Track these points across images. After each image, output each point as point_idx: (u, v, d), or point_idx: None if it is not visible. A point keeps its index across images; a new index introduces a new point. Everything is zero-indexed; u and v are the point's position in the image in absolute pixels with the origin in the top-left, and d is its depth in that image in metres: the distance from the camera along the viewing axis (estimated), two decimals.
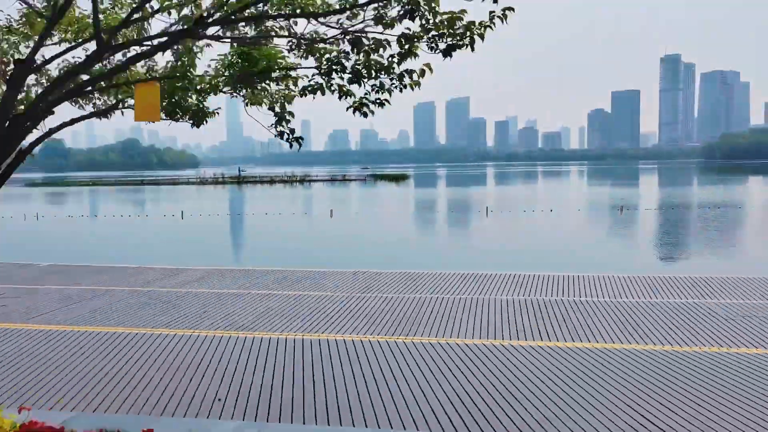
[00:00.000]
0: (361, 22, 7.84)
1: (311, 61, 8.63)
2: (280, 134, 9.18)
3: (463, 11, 7.48)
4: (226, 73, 8.90)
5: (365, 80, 8.35)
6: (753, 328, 12.46)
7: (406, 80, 8.37)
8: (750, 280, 17.89)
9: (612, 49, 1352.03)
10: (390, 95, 8.52)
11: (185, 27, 7.71)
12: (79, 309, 15.23)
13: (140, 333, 12.92)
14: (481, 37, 7.59)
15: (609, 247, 35.43)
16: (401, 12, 7.44)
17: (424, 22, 7.55)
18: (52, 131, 8.95)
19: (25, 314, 14.85)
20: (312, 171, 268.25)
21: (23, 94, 8.92)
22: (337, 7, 7.74)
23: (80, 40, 8.73)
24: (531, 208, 56.40)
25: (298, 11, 7.80)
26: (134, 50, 8.45)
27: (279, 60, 8.67)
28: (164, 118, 9.56)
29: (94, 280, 20.15)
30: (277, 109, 9.27)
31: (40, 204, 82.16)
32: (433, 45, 7.84)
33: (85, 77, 8.68)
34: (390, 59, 8.11)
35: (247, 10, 7.76)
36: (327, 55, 8.40)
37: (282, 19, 8.20)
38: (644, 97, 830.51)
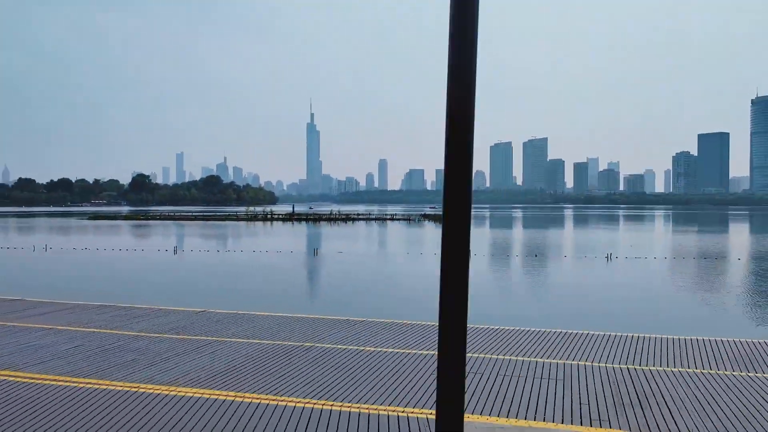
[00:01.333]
0: None
1: None
2: None
3: None
4: None
5: None
6: None
7: None
8: None
9: (699, 88, 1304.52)
10: None
11: None
12: None
13: None
14: None
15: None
16: None
17: None
18: None
19: None
20: (374, 209, 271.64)
21: None
22: None
23: None
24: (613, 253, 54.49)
25: None
26: None
27: None
28: None
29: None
30: None
31: (44, 236, 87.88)
32: None
33: None
34: None
35: None
36: None
37: None
38: (734, 140, 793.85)
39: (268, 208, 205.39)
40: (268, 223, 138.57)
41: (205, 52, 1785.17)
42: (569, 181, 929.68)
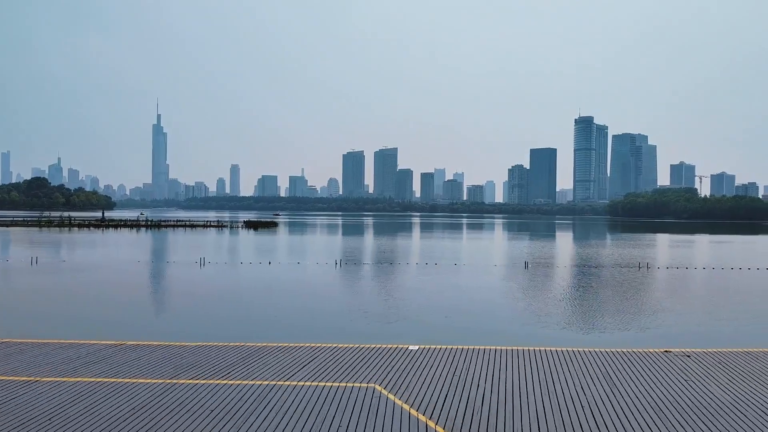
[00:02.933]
0: None
1: None
2: None
3: None
4: None
5: None
6: None
7: None
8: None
9: (532, 107, 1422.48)
10: None
11: None
12: None
13: None
14: None
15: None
16: None
17: None
18: None
19: None
20: (226, 216, 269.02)
21: None
22: None
23: None
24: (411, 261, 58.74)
25: None
26: None
27: None
28: None
29: None
30: None
31: None
32: None
33: None
34: None
35: None
36: None
37: None
38: (561, 155, 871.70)
39: (66, 214, 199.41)
40: (75, 229, 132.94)
41: (41, 43, 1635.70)
42: (417, 190, 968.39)
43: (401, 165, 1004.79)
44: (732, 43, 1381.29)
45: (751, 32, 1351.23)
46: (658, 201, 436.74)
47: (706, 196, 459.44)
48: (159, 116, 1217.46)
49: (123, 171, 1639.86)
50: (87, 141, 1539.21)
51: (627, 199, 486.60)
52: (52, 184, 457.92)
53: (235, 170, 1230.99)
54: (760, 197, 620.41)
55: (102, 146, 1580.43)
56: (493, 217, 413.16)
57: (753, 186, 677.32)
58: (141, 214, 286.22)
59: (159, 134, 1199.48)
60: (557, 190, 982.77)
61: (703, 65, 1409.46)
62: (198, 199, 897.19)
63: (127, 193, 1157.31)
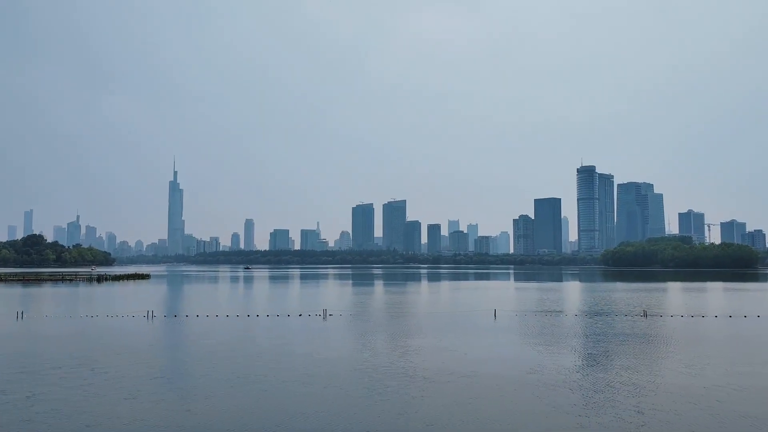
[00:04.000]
0: None
1: None
2: None
3: None
4: None
5: None
6: None
7: None
8: None
9: (539, 157, 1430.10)
10: None
11: None
12: None
13: None
14: None
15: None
16: None
17: None
18: None
19: None
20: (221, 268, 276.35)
21: None
22: None
23: None
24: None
25: None
26: None
27: None
28: None
29: None
30: None
31: None
32: None
33: None
34: None
35: None
36: None
37: None
38: (565, 205, 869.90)
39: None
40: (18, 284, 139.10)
41: (59, 103, 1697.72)
42: (425, 240, 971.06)
43: (410, 217, 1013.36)
44: (738, 89, 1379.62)
45: (757, 79, 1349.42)
46: (646, 250, 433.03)
47: (695, 244, 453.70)
48: (176, 173, 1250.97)
49: (140, 227, 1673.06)
50: (105, 199, 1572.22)
51: (617, 249, 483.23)
52: (48, 241, 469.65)
53: (249, 225, 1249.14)
54: (751, 246, 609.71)
55: (120, 203, 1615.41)
56: (489, 269, 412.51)
57: (759, 233, 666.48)
58: (92, 269, 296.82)
59: (175, 191, 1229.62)
60: (569, 240, 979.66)
61: (709, 112, 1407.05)
62: (207, 254, 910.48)
63: (143, 249, 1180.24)
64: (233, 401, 25.18)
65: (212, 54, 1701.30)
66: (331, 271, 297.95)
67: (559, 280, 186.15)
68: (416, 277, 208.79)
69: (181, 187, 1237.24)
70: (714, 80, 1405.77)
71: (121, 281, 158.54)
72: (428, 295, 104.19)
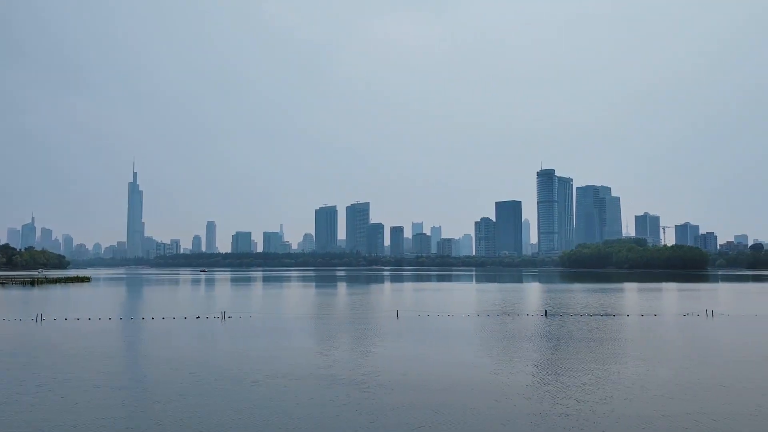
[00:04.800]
0: None
1: None
2: None
3: None
4: None
5: None
6: None
7: None
8: None
9: (501, 160, 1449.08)
10: None
11: None
12: None
13: None
14: None
15: None
16: None
17: None
18: None
19: None
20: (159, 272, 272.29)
21: None
22: None
23: None
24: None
25: None
26: None
27: None
28: None
29: None
30: None
31: None
32: None
33: None
34: None
35: None
36: None
37: None
38: (526, 207, 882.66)
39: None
40: None
41: (15, 102, 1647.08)
42: (388, 243, 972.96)
43: (373, 219, 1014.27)
44: (693, 97, 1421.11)
45: (714, 89, 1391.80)
46: (602, 252, 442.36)
47: (648, 246, 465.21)
48: (135, 174, 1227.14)
49: (99, 229, 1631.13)
50: (63, 200, 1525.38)
51: (575, 251, 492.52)
52: (0, 243, 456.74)
53: (211, 227, 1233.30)
54: (716, 246, 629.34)
55: (78, 205, 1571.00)
56: (449, 270, 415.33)
57: (711, 236, 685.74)
58: (39, 271, 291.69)
59: (135, 192, 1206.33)
60: (530, 242, 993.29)
61: (666, 119, 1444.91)
62: (167, 257, 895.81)
63: (102, 251, 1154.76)
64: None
65: (175, 53, 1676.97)
66: (285, 274, 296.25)
67: (495, 281, 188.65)
68: (364, 280, 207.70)
69: (141, 189, 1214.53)
70: (670, 89, 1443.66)
71: (59, 284, 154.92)
72: (349, 297, 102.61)
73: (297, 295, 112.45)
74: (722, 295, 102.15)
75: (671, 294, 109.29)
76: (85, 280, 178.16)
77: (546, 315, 62.27)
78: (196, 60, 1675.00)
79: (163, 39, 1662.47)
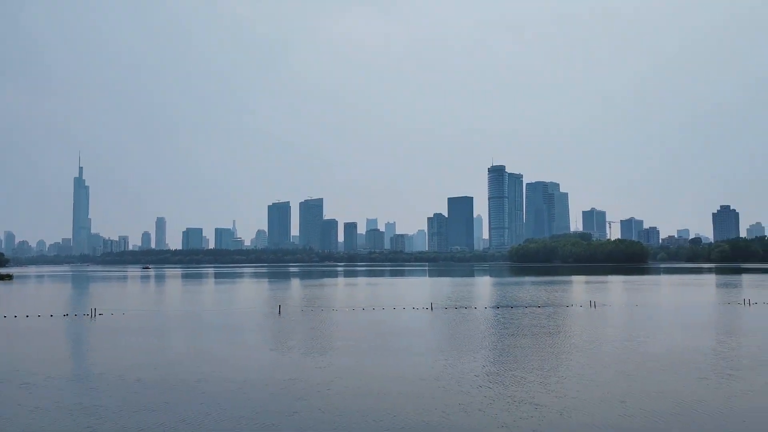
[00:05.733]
0: None
1: None
2: None
3: None
4: None
5: None
6: None
7: None
8: None
9: (451, 157, 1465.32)
10: None
11: None
12: None
13: None
14: None
15: None
16: None
17: None
18: None
19: None
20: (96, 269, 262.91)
21: None
22: None
23: None
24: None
25: None
26: None
27: None
28: None
29: None
30: None
31: None
32: None
33: None
34: None
35: None
36: None
37: None
38: (477, 203, 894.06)
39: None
40: None
41: None
42: (342, 239, 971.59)
43: (327, 215, 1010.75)
44: (644, 94, 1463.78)
45: (661, 87, 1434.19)
46: (548, 246, 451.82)
47: (592, 241, 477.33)
48: (81, 169, 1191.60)
49: (42, 226, 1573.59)
50: (4, 196, 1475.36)
51: (522, 245, 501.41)
52: None
53: (161, 223, 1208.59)
54: (659, 240, 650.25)
55: (20, 201, 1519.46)
56: (399, 266, 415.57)
57: (654, 230, 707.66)
58: None
59: (81, 187, 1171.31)
60: (482, 237, 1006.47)
61: (608, 113, 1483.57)
62: (115, 254, 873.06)
63: (46, 249, 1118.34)
64: None
65: (125, 43, 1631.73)
66: (227, 271, 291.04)
67: (436, 276, 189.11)
68: (299, 276, 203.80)
69: (87, 184, 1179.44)
70: (614, 86, 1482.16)
71: None
72: (250, 292, 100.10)
73: (201, 291, 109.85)
74: (628, 288, 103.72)
75: (578, 287, 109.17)
76: (5, 278, 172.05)
77: (431, 308, 61.31)
78: (147, 51, 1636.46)
79: (112, 28, 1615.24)
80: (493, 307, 62.79)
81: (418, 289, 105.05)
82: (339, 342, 38.95)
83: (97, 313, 58.67)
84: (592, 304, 64.32)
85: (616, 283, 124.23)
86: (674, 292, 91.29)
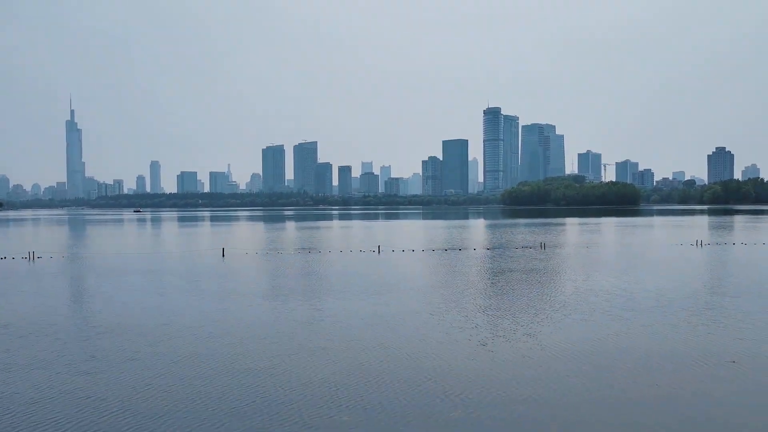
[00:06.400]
0: None
1: None
2: None
3: None
4: None
5: None
6: None
7: None
8: None
9: (447, 99, 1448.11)
10: None
11: None
12: None
13: None
14: None
15: None
16: None
17: None
18: None
19: None
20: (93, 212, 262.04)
21: None
22: None
23: None
24: None
25: None
26: None
27: None
28: None
29: None
30: None
31: None
32: None
33: None
34: None
35: None
36: None
37: None
38: (473, 146, 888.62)
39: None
40: None
41: None
42: (337, 183, 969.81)
43: (321, 159, 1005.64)
44: (641, 39, 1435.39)
45: (655, 31, 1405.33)
46: (541, 189, 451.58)
47: (585, 183, 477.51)
48: (72, 112, 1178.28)
49: (37, 170, 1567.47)
50: None
51: (515, 188, 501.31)
52: None
53: (155, 166, 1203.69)
54: (655, 182, 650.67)
55: (14, 144, 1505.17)
56: (396, 209, 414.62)
57: (648, 172, 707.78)
58: None
59: (73, 131, 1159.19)
60: (478, 180, 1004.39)
61: (608, 57, 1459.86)
62: (109, 198, 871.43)
63: (41, 192, 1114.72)
64: None
65: None
66: (218, 214, 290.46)
67: (421, 219, 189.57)
68: (283, 219, 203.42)
69: (79, 127, 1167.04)
70: (612, 28, 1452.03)
71: None
72: (207, 236, 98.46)
73: (167, 234, 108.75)
74: (594, 230, 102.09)
75: (544, 228, 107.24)
76: None
77: (379, 251, 59.65)
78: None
79: None
80: (439, 250, 62.82)
81: (368, 233, 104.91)
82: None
83: (35, 257, 58.01)
84: (542, 245, 64.09)
85: (589, 225, 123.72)
86: (637, 234, 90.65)
